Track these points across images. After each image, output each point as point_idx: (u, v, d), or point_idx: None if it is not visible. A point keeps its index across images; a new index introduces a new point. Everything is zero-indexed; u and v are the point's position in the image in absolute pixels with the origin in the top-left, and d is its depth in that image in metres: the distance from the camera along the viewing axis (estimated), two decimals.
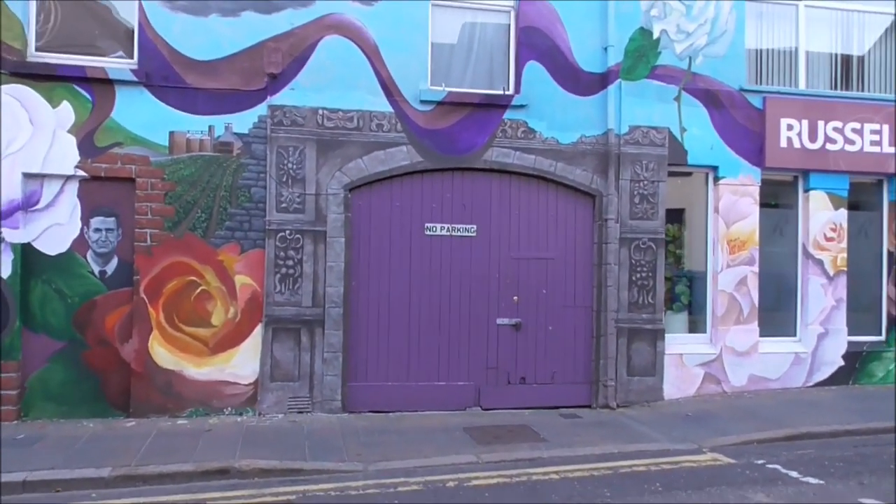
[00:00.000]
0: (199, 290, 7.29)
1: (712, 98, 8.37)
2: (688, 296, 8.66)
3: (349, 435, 6.75)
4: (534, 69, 7.97)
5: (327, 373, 7.45)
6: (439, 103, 7.75)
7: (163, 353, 7.20)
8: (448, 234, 7.85)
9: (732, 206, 8.44)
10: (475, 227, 7.89)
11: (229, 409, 7.31)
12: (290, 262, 7.43)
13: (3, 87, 6.96)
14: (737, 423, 7.20)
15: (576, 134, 8.04)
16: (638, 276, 8.11)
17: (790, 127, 8.47)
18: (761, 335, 8.54)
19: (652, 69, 8.23)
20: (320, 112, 7.53)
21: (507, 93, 7.97)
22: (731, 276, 8.43)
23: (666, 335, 8.23)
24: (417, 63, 7.76)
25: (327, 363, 7.46)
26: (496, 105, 7.87)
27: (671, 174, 8.36)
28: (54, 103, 7.07)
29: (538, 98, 7.95)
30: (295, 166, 7.47)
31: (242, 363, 7.34)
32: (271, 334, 7.38)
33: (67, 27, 7.33)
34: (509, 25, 8.12)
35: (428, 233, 7.81)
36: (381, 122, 7.65)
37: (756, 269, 8.49)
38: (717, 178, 8.45)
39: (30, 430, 6.71)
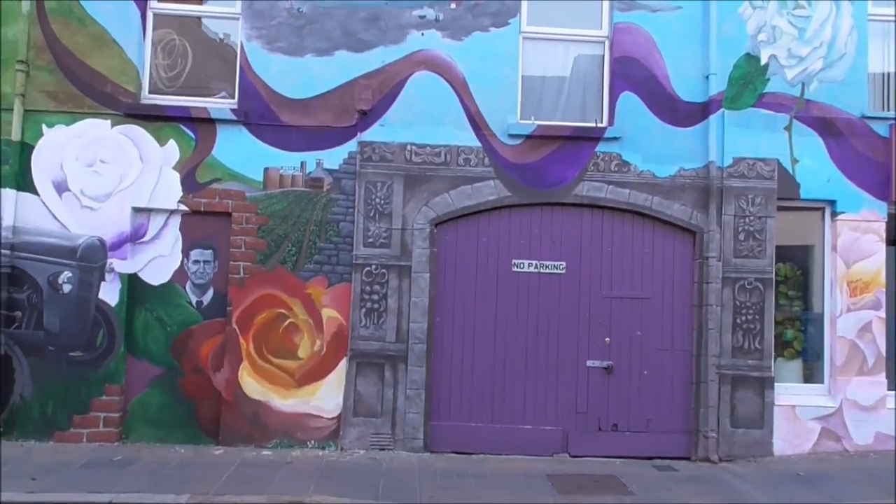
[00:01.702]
0: (287, 323, 7.43)
1: (829, 127, 7.69)
2: (802, 341, 7.89)
3: (426, 476, 6.58)
4: (629, 100, 7.64)
5: (410, 410, 7.35)
6: (528, 137, 7.58)
7: (251, 384, 7.36)
8: (536, 270, 7.60)
9: (853, 244, 7.66)
10: (564, 263, 7.60)
11: (312, 442, 7.34)
12: (376, 297, 7.44)
13: (118, 127, 7.48)
14: (855, 487, 6.43)
15: (674, 167, 7.61)
16: (743, 318, 7.50)
17: None
18: (891, 388, 7.64)
19: (759, 97, 7.68)
20: (408, 147, 7.56)
21: (599, 125, 7.68)
22: (852, 320, 7.62)
23: (776, 384, 7.52)
24: (507, 97, 7.64)
25: (410, 400, 7.36)
26: (588, 138, 7.60)
27: (782, 209, 7.72)
28: (162, 142, 7.50)
29: (633, 130, 7.61)
30: (382, 201, 7.51)
31: (327, 396, 7.38)
32: (355, 369, 7.38)
33: (177, 71, 7.82)
34: (603, 56, 7.86)
35: (515, 269, 7.60)
36: (468, 156, 7.57)
37: (882, 313, 7.62)
38: (834, 214, 7.72)
39: (127, 452, 7.02)
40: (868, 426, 7.56)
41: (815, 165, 7.68)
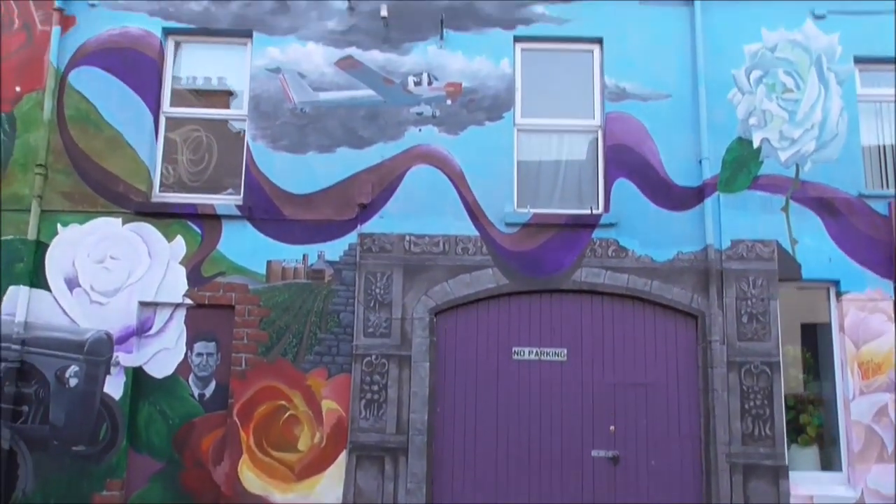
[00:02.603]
0: (287, 415, 7.41)
1: (826, 206, 7.68)
2: (816, 427, 7.62)
3: None
4: (623, 186, 7.76)
5: None
6: (525, 225, 7.69)
7: (251, 478, 7.29)
8: (537, 358, 7.55)
9: (861, 324, 7.49)
10: (565, 350, 7.54)
11: None
12: (376, 388, 7.42)
13: (128, 224, 7.76)
14: None
15: (671, 251, 7.62)
16: (751, 403, 7.29)
17: None
18: None
19: (753, 179, 7.74)
20: (407, 238, 7.70)
21: (594, 212, 7.77)
22: (866, 404, 7.36)
23: (791, 473, 7.23)
24: (503, 186, 7.81)
25: (411, 494, 7.21)
26: (584, 224, 7.68)
27: (785, 290, 7.63)
28: (170, 238, 7.75)
29: (629, 215, 7.68)
30: (382, 291, 7.61)
31: (326, 490, 7.26)
32: (355, 461, 7.29)
33: (186, 170, 8.16)
34: (596, 144, 8.04)
35: (515, 357, 7.55)
36: (466, 245, 7.68)
37: None
38: (839, 293, 7.60)
39: None
40: None
41: (815, 245, 7.62)
